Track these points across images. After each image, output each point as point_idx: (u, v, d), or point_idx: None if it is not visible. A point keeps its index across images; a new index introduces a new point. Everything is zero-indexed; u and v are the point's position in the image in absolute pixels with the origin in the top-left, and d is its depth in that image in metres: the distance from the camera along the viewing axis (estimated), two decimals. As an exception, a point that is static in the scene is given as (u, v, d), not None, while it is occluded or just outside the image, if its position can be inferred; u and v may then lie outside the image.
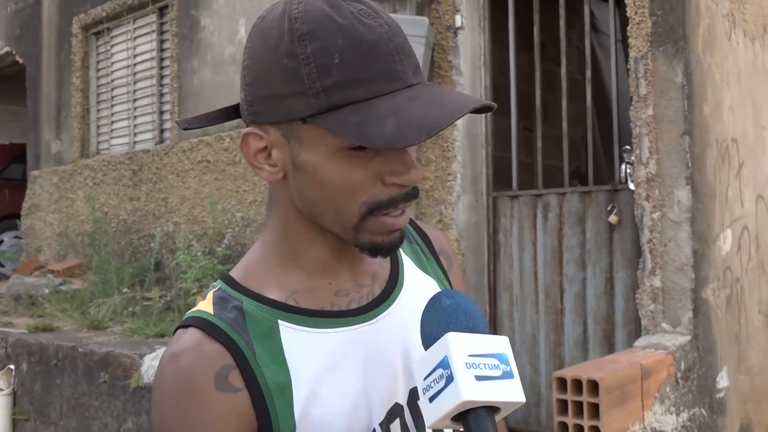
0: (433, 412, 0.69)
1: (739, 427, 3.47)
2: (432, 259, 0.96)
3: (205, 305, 0.82)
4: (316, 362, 0.79)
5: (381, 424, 0.81)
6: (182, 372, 0.76)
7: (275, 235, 0.84)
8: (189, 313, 0.83)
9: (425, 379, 0.70)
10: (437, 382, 0.68)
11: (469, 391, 0.66)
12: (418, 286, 0.90)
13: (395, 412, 0.83)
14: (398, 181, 0.76)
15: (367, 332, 0.82)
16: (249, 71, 0.78)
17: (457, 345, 0.68)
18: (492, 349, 0.70)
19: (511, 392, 0.68)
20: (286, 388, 0.77)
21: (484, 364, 0.68)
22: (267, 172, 0.80)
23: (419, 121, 0.71)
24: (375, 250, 0.80)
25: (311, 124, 0.74)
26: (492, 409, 0.68)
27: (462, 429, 0.68)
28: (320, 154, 0.76)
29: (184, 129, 0.85)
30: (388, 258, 0.89)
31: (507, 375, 0.69)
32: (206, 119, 0.85)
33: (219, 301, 0.81)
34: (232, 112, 0.85)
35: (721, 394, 3.32)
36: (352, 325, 0.82)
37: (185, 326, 0.80)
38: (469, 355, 0.68)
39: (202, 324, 0.79)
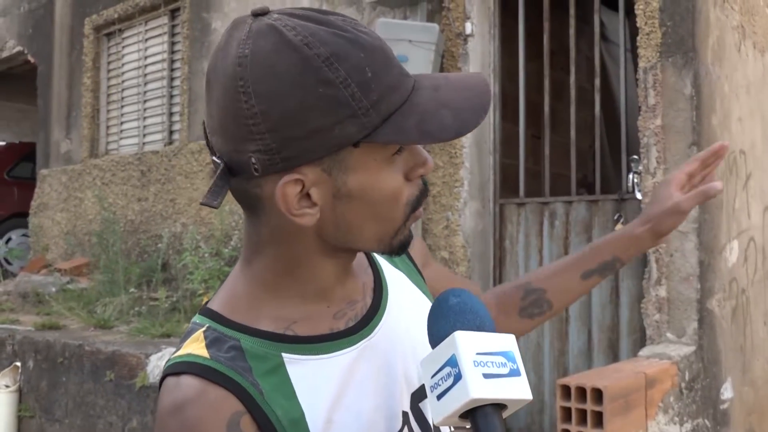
0: (441, 410, 0.69)
1: (742, 438, 3.46)
2: (405, 257, 0.96)
3: (196, 347, 0.75)
4: (327, 390, 0.76)
5: None
6: (190, 425, 0.70)
7: (272, 271, 0.79)
8: (176, 357, 0.76)
9: (433, 377, 0.70)
10: (445, 380, 0.68)
11: (477, 389, 0.66)
12: (399, 287, 0.90)
13: (404, 420, 0.82)
14: (424, 171, 0.77)
15: (370, 347, 0.81)
16: (267, 117, 0.69)
17: (465, 343, 0.69)
18: (499, 347, 0.70)
19: (518, 390, 0.69)
20: (300, 422, 0.74)
21: (492, 362, 0.68)
22: (309, 216, 0.73)
23: (466, 104, 0.73)
24: (404, 247, 0.80)
25: (363, 145, 0.71)
26: (499, 406, 0.69)
27: (469, 426, 0.69)
28: (370, 172, 0.73)
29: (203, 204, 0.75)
30: (368, 264, 0.89)
31: (514, 373, 0.69)
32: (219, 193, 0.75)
33: (213, 343, 0.75)
34: (225, 176, 0.74)
35: (725, 405, 3.32)
36: (355, 344, 0.80)
37: (176, 373, 0.74)
38: (477, 353, 0.68)
39: (198, 369, 0.73)
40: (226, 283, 0.83)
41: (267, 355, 0.76)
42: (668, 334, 3.22)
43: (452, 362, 0.68)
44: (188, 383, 0.72)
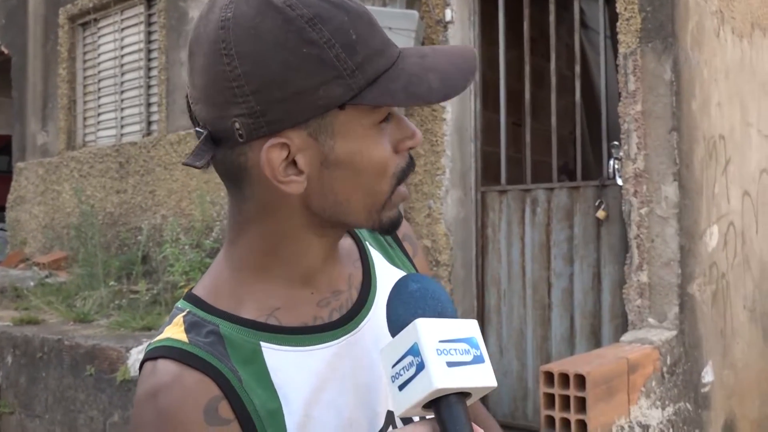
0: (403, 401, 0.66)
1: (723, 421, 3.50)
2: (396, 248, 0.93)
3: (175, 332, 0.74)
4: (306, 383, 0.74)
5: None
6: (166, 411, 0.69)
7: (257, 251, 0.77)
8: (155, 342, 0.74)
9: (394, 366, 0.67)
10: (407, 370, 0.66)
11: (441, 378, 0.64)
12: (389, 281, 0.86)
13: (388, 420, 0.80)
14: (412, 143, 0.76)
15: (353, 343, 0.79)
16: (250, 78, 0.68)
17: (427, 331, 0.66)
18: (462, 333, 0.68)
19: (482, 377, 0.67)
20: (277, 414, 0.72)
21: (455, 350, 0.66)
22: (296, 184, 0.71)
23: (452, 69, 0.73)
24: (394, 226, 0.78)
25: (348, 108, 0.70)
26: (463, 394, 0.66)
27: (432, 417, 0.67)
28: (356, 138, 0.72)
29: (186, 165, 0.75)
30: (359, 257, 0.86)
31: (478, 360, 0.67)
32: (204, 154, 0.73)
33: (192, 327, 0.74)
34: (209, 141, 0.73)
35: (706, 389, 3.35)
36: (338, 338, 0.78)
37: (155, 358, 0.72)
38: (440, 341, 0.66)
39: (176, 354, 0.71)
40: (211, 268, 0.81)
41: (245, 343, 0.74)
42: (650, 319, 3.24)
43: (414, 351, 0.66)
44: (165, 368, 0.71)
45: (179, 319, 0.76)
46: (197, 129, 0.73)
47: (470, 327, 0.69)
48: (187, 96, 0.75)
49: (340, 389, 0.76)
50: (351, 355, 0.78)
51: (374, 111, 0.72)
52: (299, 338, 0.76)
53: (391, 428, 0.79)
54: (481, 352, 0.68)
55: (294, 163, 0.72)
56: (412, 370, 0.65)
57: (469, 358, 0.66)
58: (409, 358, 0.66)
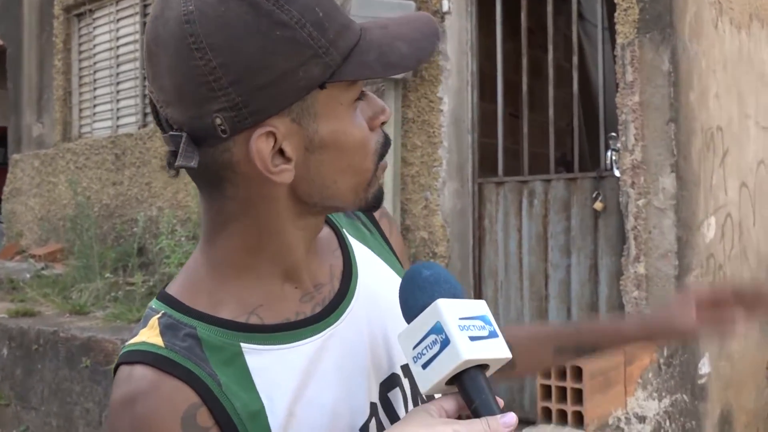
0: (429, 377, 0.70)
1: (719, 412, 3.50)
2: (374, 230, 0.93)
3: (150, 335, 0.71)
4: (288, 381, 0.73)
5: (361, 429, 0.77)
6: (142, 420, 0.67)
7: (239, 248, 0.74)
8: (130, 345, 0.72)
9: (415, 347, 0.71)
10: (430, 348, 0.70)
11: (467, 351, 0.68)
12: (370, 270, 0.86)
13: (372, 411, 0.79)
14: (384, 118, 0.76)
15: (336, 335, 0.77)
16: (227, 69, 0.66)
17: (449, 310, 0.70)
18: (476, 311, 0.72)
19: (500, 349, 0.72)
20: (260, 415, 0.71)
21: (473, 326, 0.71)
22: (287, 172, 0.70)
23: (417, 35, 0.73)
24: (378, 201, 0.78)
25: (328, 87, 0.69)
26: (481, 367, 0.71)
27: (456, 392, 0.71)
28: (338, 117, 0.71)
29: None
30: (338, 246, 0.85)
31: (493, 334, 0.72)
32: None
33: (167, 330, 0.71)
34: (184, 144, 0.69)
35: (703, 380, 3.35)
36: (320, 332, 0.76)
37: (130, 362, 0.70)
38: (460, 318, 0.70)
39: (152, 359, 0.69)
40: (186, 267, 0.78)
41: (224, 345, 0.72)
42: (646, 311, 3.23)
43: (437, 329, 0.70)
44: (141, 374, 0.69)
45: (154, 321, 0.73)
46: (172, 133, 0.69)
47: (482, 306, 0.74)
48: (151, 101, 0.72)
49: (323, 384, 0.75)
50: (334, 348, 0.77)
51: (350, 88, 0.72)
52: (281, 336, 0.74)
53: (374, 420, 0.78)
54: (494, 328, 0.72)
55: (281, 151, 0.70)
56: (436, 348, 0.69)
57: (485, 333, 0.71)
58: (432, 337, 0.70)
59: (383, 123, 0.77)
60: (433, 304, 0.71)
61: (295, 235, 0.76)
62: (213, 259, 0.76)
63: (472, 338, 0.69)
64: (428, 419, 0.67)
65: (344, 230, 0.88)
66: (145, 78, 6.01)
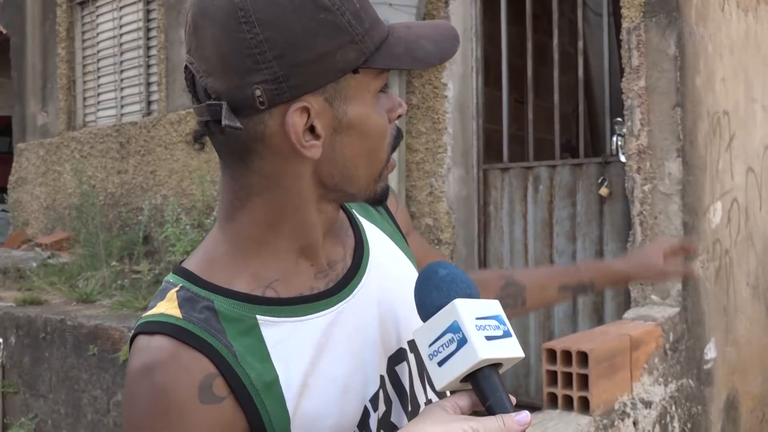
0: (444, 375, 0.72)
1: (725, 397, 3.50)
2: (383, 210, 0.97)
3: (169, 307, 0.74)
4: (302, 353, 0.76)
5: (371, 401, 0.80)
6: (160, 388, 0.69)
7: (261, 224, 0.77)
8: (148, 316, 0.75)
9: (431, 345, 0.73)
10: (446, 347, 0.72)
11: (484, 350, 0.70)
12: (380, 249, 0.90)
13: (380, 383, 0.82)
14: (401, 111, 0.80)
15: (348, 309, 0.80)
16: (274, 43, 0.69)
17: (466, 309, 0.72)
18: (491, 311, 0.74)
19: (514, 349, 0.74)
20: (274, 385, 0.73)
21: (489, 326, 0.73)
22: (316, 148, 0.73)
23: (439, 35, 0.78)
24: (385, 196, 0.82)
25: (361, 72, 0.74)
26: (494, 366, 0.73)
27: (470, 389, 0.73)
28: (366, 103, 0.76)
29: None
30: (350, 226, 0.88)
31: (507, 334, 0.74)
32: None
33: (186, 302, 0.74)
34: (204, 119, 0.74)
35: (709, 365, 3.35)
36: (333, 306, 0.79)
37: (149, 332, 0.73)
38: (476, 318, 0.72)
39: (171, 330, 0.72)
40: (204, 244, 0.81)
41: (241, 317, 0.74)
42: (652, 296, 3.23)
43: (454, 328, 0.71)
44: (160, 344, 0.71)
45: (172, 294, 0.76)
46: (210, 102, 0.71)
47: (496, 306, 0.76)
48: (188, 71, 0.74)
49: (335, 357, 0.78)
50: (346, 321, 0.80)
51: (378, 77, 0.76)
52: (295, 308, 0.77)
53: (382, 392, 0.81)
54: (508, 328, 0.74)
55: (311, 129, 0.73)
56: (453, 346, 0.71)
57: (500, 332, 0.73)
58: (449, 336, 0.71)
59: (399, 116, 0.80)
60: (450, 303, 0.73)
61: (314, 215, 0.78)
62: (232, 234, 0.78)
63: (488, 338, 0.71)
64: (445, 416, 0.69)
65: (354, 211, 0.91)
66: (148, 66, 6.05)
